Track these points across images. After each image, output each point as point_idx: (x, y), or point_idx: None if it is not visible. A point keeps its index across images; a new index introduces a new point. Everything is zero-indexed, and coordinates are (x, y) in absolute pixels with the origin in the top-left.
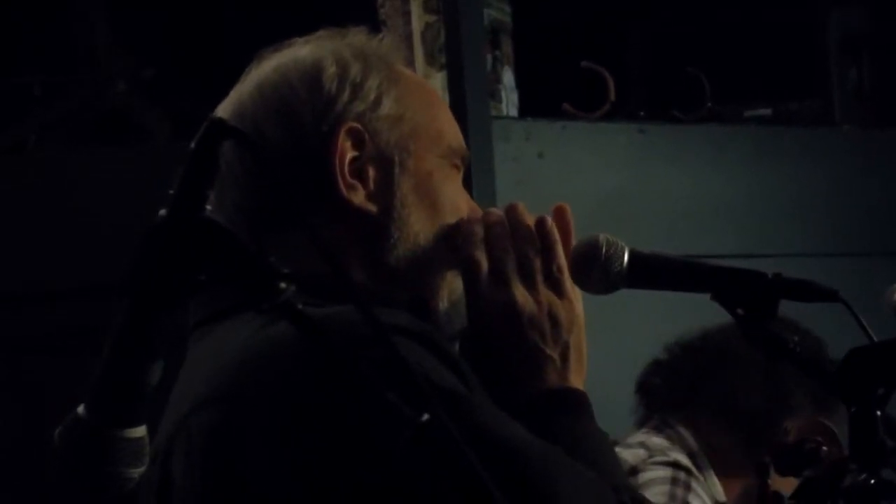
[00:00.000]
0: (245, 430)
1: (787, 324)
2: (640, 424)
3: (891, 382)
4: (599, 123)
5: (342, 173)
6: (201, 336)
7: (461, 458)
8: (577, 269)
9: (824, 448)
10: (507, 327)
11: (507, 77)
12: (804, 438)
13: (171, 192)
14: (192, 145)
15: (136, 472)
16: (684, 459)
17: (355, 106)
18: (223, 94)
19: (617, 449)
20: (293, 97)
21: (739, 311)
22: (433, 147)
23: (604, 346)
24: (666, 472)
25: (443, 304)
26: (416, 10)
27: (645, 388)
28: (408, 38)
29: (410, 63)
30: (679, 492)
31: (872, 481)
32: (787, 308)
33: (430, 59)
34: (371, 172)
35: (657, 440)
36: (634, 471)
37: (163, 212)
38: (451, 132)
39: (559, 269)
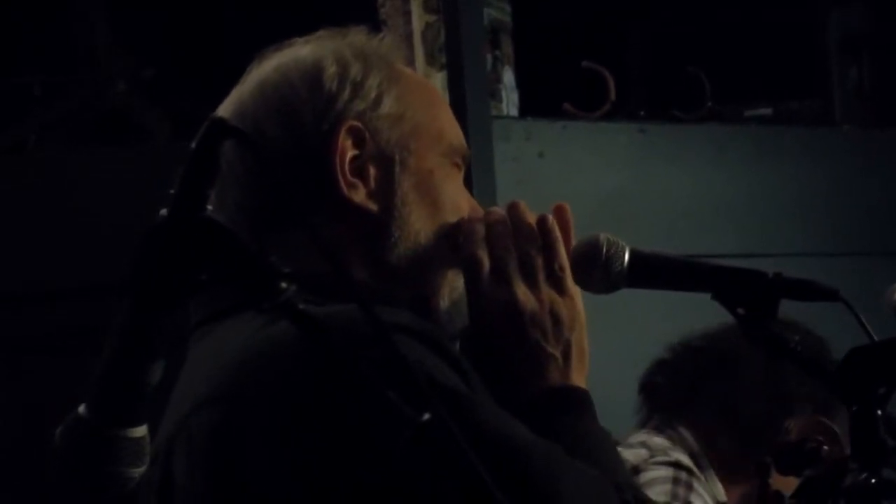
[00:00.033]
0: (245, 430)
1: (787, 323)
2: (642, 424)
3: (891, 382)
4: (600, 123)
5: (343, 172)
6: (202, 336)
7: (462, 457)
8: (578, 268)
9: (825, 447)
10: (509, 326)
11: (508, 77)
12: (805, 438)
13: (172, 191)
14: (193, 145)
15: (137, 471)
16: (686, 459)
17: (356, 105)
18: (223, 94)
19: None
20: (294, 96)
21: (740, 310)
22: (434, 146)
23: (604, 345)
24: (668, 472)
25: (444, 302)
26: (416, 9)
27: (648, 387)
28: (408, 37)
29: (410, 63)
30: (681, 491)
31: (873, 481)
32: (788, 307)
33: (431, 59)
34: (372, 171)
35: (658, 440)
36: (636, 470)
37: (163, 211)
38: (452, 131)
39: (561, 268)
